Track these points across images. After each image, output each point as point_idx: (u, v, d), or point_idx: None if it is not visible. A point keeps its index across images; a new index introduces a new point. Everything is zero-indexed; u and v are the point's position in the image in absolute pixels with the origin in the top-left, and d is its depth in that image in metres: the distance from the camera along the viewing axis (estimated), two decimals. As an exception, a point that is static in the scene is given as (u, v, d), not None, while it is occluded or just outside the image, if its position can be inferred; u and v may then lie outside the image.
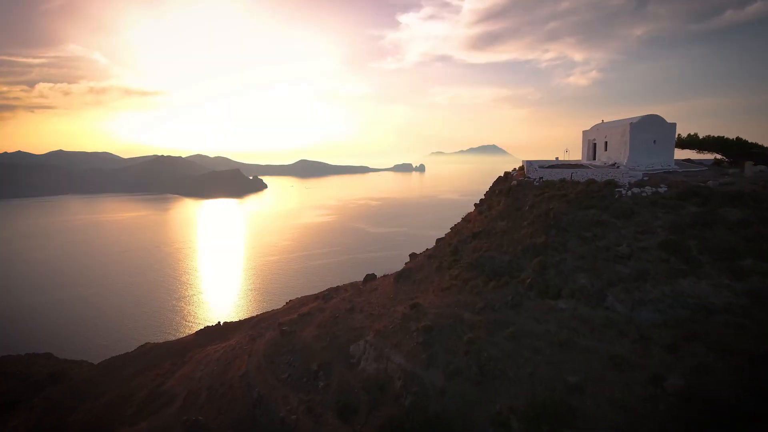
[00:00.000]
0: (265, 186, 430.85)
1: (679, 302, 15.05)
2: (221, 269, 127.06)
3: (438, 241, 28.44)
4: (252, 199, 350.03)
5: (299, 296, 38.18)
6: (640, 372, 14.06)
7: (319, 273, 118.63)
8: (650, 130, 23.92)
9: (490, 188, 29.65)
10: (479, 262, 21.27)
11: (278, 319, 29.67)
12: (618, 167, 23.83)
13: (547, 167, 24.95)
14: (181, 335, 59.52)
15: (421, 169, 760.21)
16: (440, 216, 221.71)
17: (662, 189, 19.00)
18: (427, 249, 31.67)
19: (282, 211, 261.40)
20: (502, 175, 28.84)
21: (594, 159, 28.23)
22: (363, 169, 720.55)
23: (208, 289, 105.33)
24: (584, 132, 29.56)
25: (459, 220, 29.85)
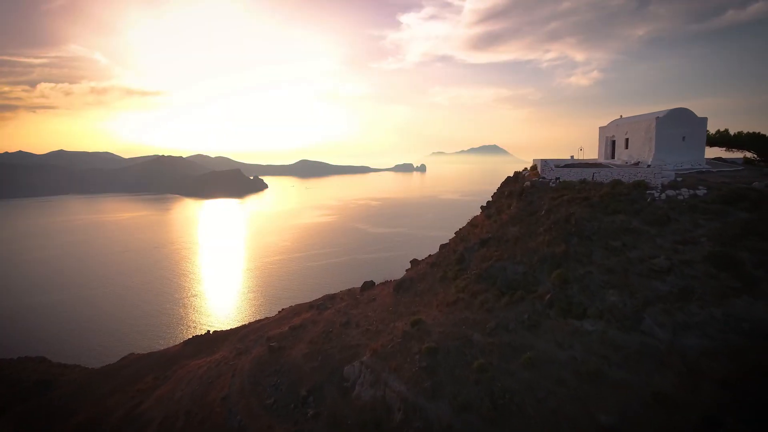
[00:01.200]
0: (265, 186, 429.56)
1: (732, 326, 12.63)
2: (219, 271, 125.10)
3: (442, 247, 26.05)
4: (252, 199, 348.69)
5: (293, 304, 35.95)
6: (689, 412, 11.68)
7: (318, 275, 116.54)
8: (679, 125, 21.49)
9: (499, 189, 27.23)
10: (489, 273, 18.88)
11: (268, 332, 27.39)
12: (643, 166, 21.38)
13: (563, 166, 22.47)
14: (172, 343, 57.47)
15: (422, 169, 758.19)
16: (441, 216, 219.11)
17: (701, 191, 16.55)
18: (429, 255, 29.28)
19: (282, 211, 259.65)
20: (512, 175, 26.40)
21: (613, 158, 25.74)
22: (364, 169, 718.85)
23: (204, 293, 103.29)
24: (601, 128, 27.07)
25: (461, 220, 27.47)
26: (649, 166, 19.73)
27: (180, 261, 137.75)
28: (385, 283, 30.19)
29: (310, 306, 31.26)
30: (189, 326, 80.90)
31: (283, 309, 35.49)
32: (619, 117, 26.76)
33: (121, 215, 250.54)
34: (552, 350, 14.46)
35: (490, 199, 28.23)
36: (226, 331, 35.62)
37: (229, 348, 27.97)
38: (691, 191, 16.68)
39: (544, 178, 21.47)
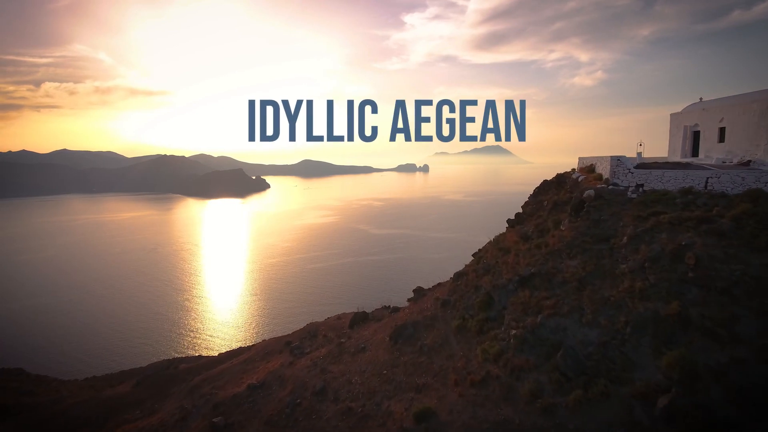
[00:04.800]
0: (268, 186, 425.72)
1: None
2: (213, 276, 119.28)
3: (457, 277, 19.03)
4: (254, 200, 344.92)
5: (269, 337, 29.50)
6: None
7: (316, 279, 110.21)
8: (817, 106, 14.34)
9: (533, 198, 20.16)
10: (539, 337, 11.88)
11: (223, 386, 20.77)
12: (758, 167, 14.29)
13: (639, 167, 15.22)
14: (140, 361, 51.65)
15: (425, 169, 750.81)
16: (445, 217, 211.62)
17: None
18: (438, 284, 22.32)
19: (284, 211, 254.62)
20: (553, 178, 19.29)
21: (696, 155, 18.56)
22: (367, 169, 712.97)
23: (190, 303, 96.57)
24: (673, 116, 19.87)
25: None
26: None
27: (175, 265, 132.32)
28: (381, 318, 23.31)
29: (286, 344, 24.55)
30: (164, 341, 74.74)
31: (255, 345, 28.77)
32: (698, 100, 19.60)
33: (122, 215, 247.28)
34: None
35: (520, 210, 21.19)
36: (186, 369, 29.11)
37: (175, 403, 21.41)
38: None
39: (615, 184, 14.40)
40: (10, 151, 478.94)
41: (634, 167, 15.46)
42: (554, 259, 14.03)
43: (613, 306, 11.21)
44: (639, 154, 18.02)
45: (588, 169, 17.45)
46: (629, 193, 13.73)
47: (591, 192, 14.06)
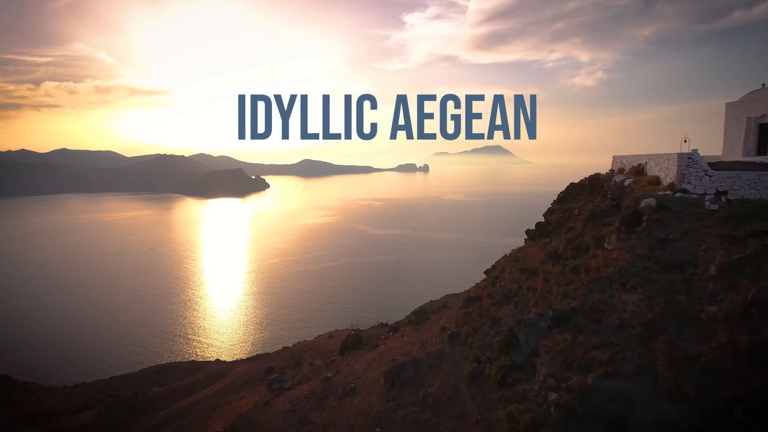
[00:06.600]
0: (267, 186, 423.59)
1: None
2: (207, 279, 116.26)
3: (467, 302, 15.55)
4: (254, 199, 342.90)
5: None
6: None
7: (315, 281, 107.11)
8: None
9: (559, 204, 16.68)
10: (593, 408, 8.44)
11: (191, 423, 17.47)
12: None
13: (713, 166, 11.59)
14: (122, 370, 48.69)
15: (425, 169, 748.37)
16: (445, 217, 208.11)
17: None
18: (444, 308, 18.86)
19: (283, 211, 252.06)
20: (584, 180, 15.77)
21: (764, 153, 15.00)
22: (367, 169, 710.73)
23: (185, 306, 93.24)
24: (730, 106, 16.30)
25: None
26: None
27: (172, 267, 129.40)
28: (376, 342, 19.89)
29: (267, 371, 21.21)
30: (156, 346, 71.62)
31: (233, 369, 25.39)
32: (761, 86, 16.10)
33: (122, 215, 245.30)
34: None
35: (542, 219, 17.70)
36: (157, 394, 25.82)
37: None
38: None
39: (685, 191, 10.95)
40: (9, 151, 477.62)
41: (709, 165, 11.87)
42: (602, 290, 10.55)
43: (706, 370, 7.72)
44: (694, 151, 14.53)
45: (635, 170, 13.90)
46: (707, 204, 10.20)
47: (651, 201, 10.50)
